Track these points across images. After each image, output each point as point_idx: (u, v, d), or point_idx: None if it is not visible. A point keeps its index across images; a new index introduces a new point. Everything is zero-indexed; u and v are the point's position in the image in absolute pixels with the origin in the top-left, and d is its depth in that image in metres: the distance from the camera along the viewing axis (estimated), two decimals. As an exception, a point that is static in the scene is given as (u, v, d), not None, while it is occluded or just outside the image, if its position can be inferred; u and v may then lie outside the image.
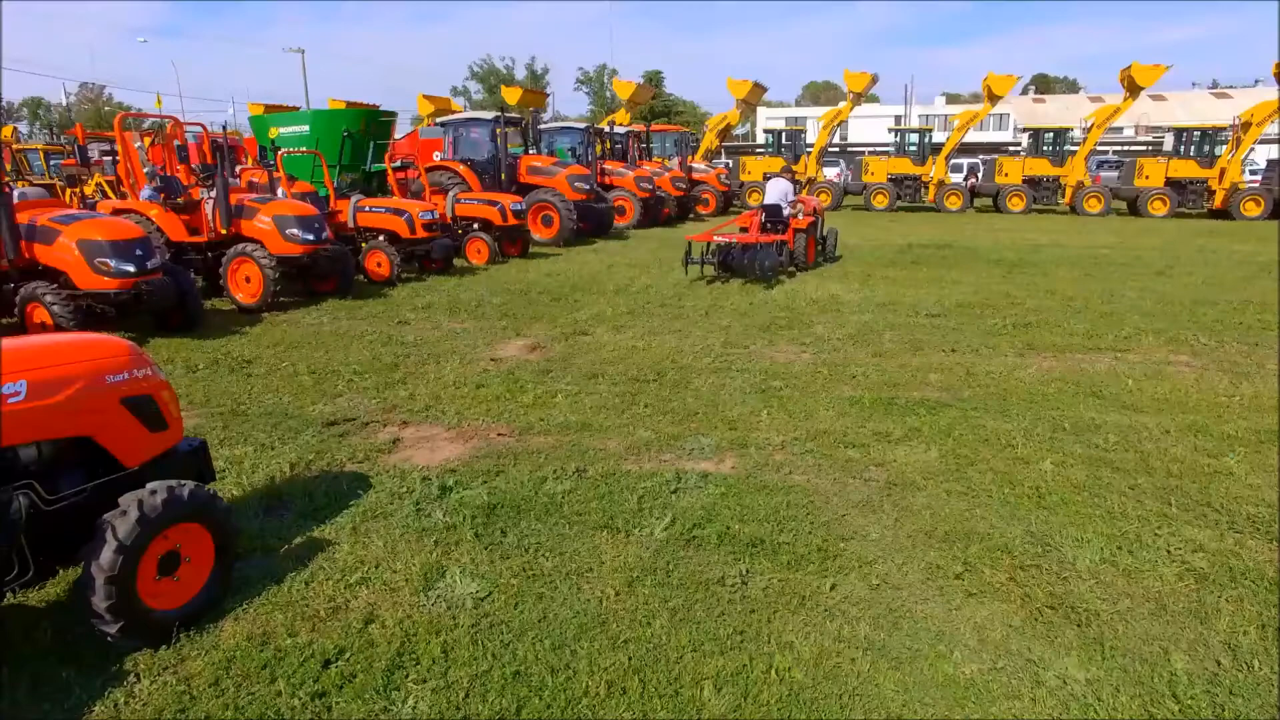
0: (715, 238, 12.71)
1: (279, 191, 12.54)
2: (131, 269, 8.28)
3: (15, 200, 8.69)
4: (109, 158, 19.06)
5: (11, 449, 3.09)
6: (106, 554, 3.06)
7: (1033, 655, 3.19)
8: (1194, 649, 3.21)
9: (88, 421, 3.30)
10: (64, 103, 69.63)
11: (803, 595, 3.61)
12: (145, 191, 11.04)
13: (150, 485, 3.28)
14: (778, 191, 13.53)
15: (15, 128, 33.13)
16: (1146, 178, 26.88)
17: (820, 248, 14.51)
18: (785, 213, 13.32)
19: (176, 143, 13.08)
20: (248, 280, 10.40)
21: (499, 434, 5.75)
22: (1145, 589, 3.65)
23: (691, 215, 25.42)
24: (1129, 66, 25.93)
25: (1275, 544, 4.06)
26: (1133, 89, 26.25)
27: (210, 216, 10.66)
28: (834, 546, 4.05)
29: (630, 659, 3.16)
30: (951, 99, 76.08)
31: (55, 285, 8.13)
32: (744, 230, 13.21)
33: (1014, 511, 4.45)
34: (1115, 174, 32.78)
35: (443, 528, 4.26)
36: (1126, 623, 3.39)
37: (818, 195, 29.03)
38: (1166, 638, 3.29)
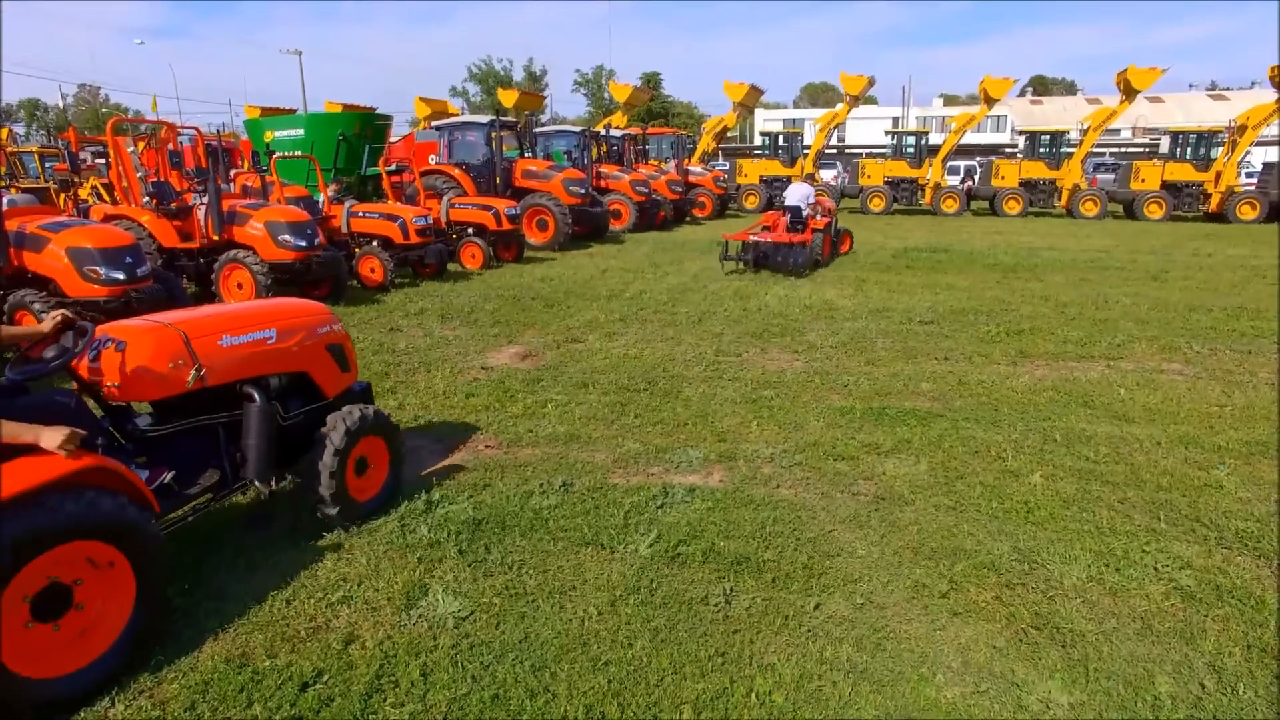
0: (751, 237, 14.01)
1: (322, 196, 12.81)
2: (121, 276, 8.25)
3: (5, 207, 8.65)
4: (102, 160, 19.03)
5: (265, 377, 4.26)
6: (328, 456, 4.21)
7: (1016, 678, 3.16)
8: (1179, 671, 3.19)
9: (306, 361, 4.48)
10: (61, 104, 69.58)
11: (786, 615, 3.58)
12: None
13: (347, 408, 4.46)
14: (799, 194, 14.86)
15: (11, 129, 33.04)
16: (1143, 181, 26.89)
17: (834, 245, 15.61)
18: (804, 213, 14.53)
19: (169, 148, 13.03)
20: (240, 287, 10.38)
21: (487, 446, 5.72)
22: (1132, 608, 3.63)
23: (687, 219, 25.38)
24: (1125, 69, 25.96)
25: (1263, 560, 4.04)
26: (1129, 92, 26.27)
27: (202, 222, 10.63)
28: (819, 564, 4.02)
29: (610, 682, 3.14)
30: (949, 100, 76.23)
31: (44, 293, 8.10)
32: (767, 229, 14.45)
33: (1002, 527, 4.43)
34: (1112, 177, 32.84)
35: (427, 544, 4.23)
36: (1112, 643, 3.37)
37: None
38: (1151, 659, 3.27)
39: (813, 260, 14.02)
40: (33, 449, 2.96)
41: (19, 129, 62.63)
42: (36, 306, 7.87)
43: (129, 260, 8.40)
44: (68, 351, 3.55)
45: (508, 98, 28.85)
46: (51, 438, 2.96)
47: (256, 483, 4.09)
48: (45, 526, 2.84)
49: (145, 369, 3.70)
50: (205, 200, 10.62)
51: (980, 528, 4.42)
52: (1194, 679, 3.13)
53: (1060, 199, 28.29)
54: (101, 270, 8.14)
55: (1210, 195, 26.08)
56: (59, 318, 3.63)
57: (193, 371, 3.81)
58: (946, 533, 4.36)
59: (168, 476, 3.86)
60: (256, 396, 4.09)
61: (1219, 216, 25.74)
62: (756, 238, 13.95)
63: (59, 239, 8.23)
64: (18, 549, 2.77)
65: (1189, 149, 26.82)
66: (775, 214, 15.28)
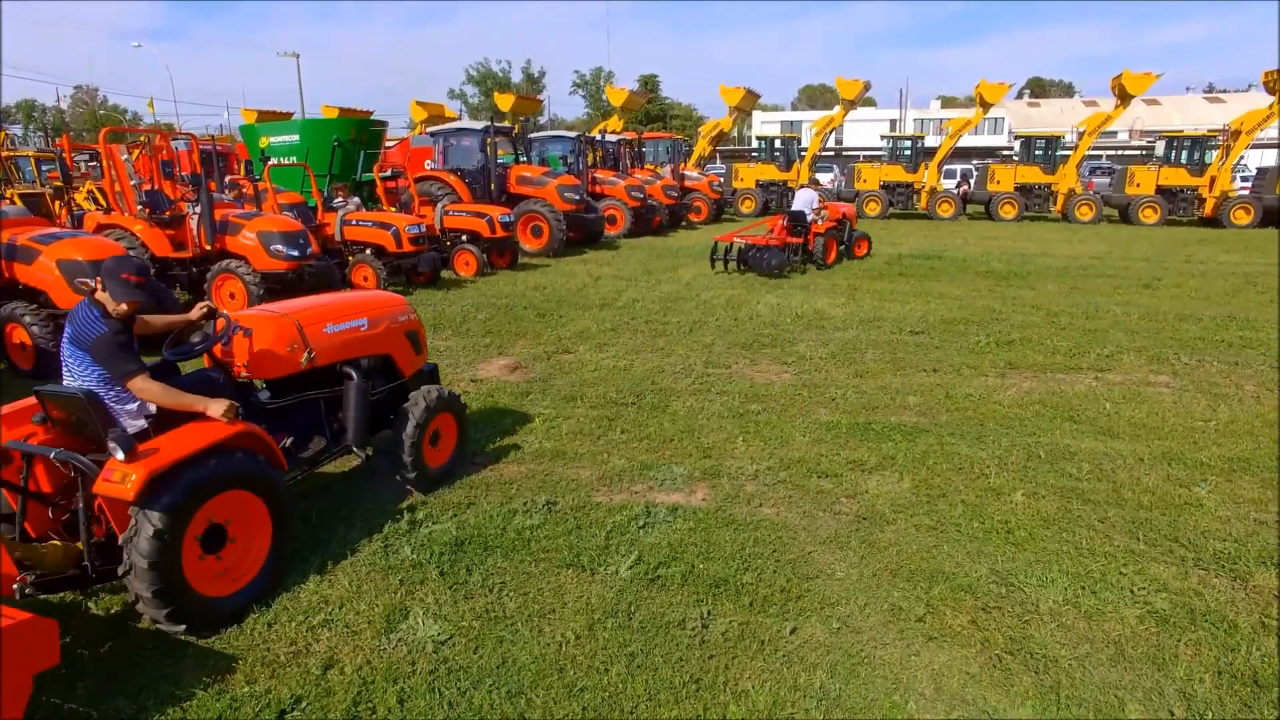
0: (735, 239, 14.86)
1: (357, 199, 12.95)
2: (112, 288, 8.25)
3: (-4, 219, 8.67)
4: (96, 165, 19.02)
5: (359, 359, 5.00)
6: (410, 428, 4.93)
7: (988, 705, 3.19)
8: (1149, 698, 3.22)
9: (389, 345, 5.27)
10: (58, 106, 69.54)
11: (762, 640, 3.60)
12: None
13: (424, 388, 5.20)
14: (803, 200, 15.54)
15: (8, 132, 32.97)
16: (1137, 185, 26.90)
17: (843, 249, 16.12)
18: (808, 218, 15.14)
19: (162, 157, 13.02)
20: (232, 297, 10.40)
21: (472, 462, 5.73)
22: (1106, 632, 3.65)
23: (683, 224, 25.39)
24: (1120, 75, 26.00)
25: (1238, 582, 4.07)
26: (1123, 97, 26.31)
27: (195, 232, 10.64)
28: (798, 586, 4.04)
29: (585, 709, 3.16)
30: (947, 102, 76.25)
31: (35, 306, 8.10)
32: (770, 232, 15.19)
33: (981, 548, 4.46)
34: (1107, 181, 32.87)
35: (409, 565, 4.25)
36: (1084, 669, 3.40)
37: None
38: (1123, 686, 3.29)
39: (792, 262, 14.77)
40: (198, 416, 3.79)
41: (15, 130, 62.49)
42: (27, 320, 7.87)
43: (120, 272, 8.40)
44: (210, 337, 4.40)
45: (504, 102, 28.85)
46: (216, 408, 3.77)
47: (355, 448, 4.88)
48: (214, 477, 3.65)
49: (268, 352, 4.51)
50: (198, 209, 10.63)
51: (959, 549, 4.45)
52: (1164, 706, 3.16)
53: (1055, 203, 28.33)
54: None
55: (1205, 200, 26.11)
56: (205, 308, 4.45)
57: (305, 354, 4.62)
58: (926, 554, 4.38)
59: (287, 441, 4.58)
60: (354, 375, 4.89)
61: (1213, 221, 25.77)
62: (741, 240, 14.83)
63: (49, 251, 8.23)
64: (195, 494, 3.56)
65: (1184, 153, 26.84)
66: (779, 216, 16.20)
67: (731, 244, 14.81)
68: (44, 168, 22.30)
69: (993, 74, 27.49)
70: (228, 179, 17.22)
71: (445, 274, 14.11)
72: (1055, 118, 61.99)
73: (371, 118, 22.05)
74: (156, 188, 11.93)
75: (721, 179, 30.89)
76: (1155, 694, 3.24)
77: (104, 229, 10.56)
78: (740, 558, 4.31)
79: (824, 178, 37.28)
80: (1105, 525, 4.74)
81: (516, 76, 75.58)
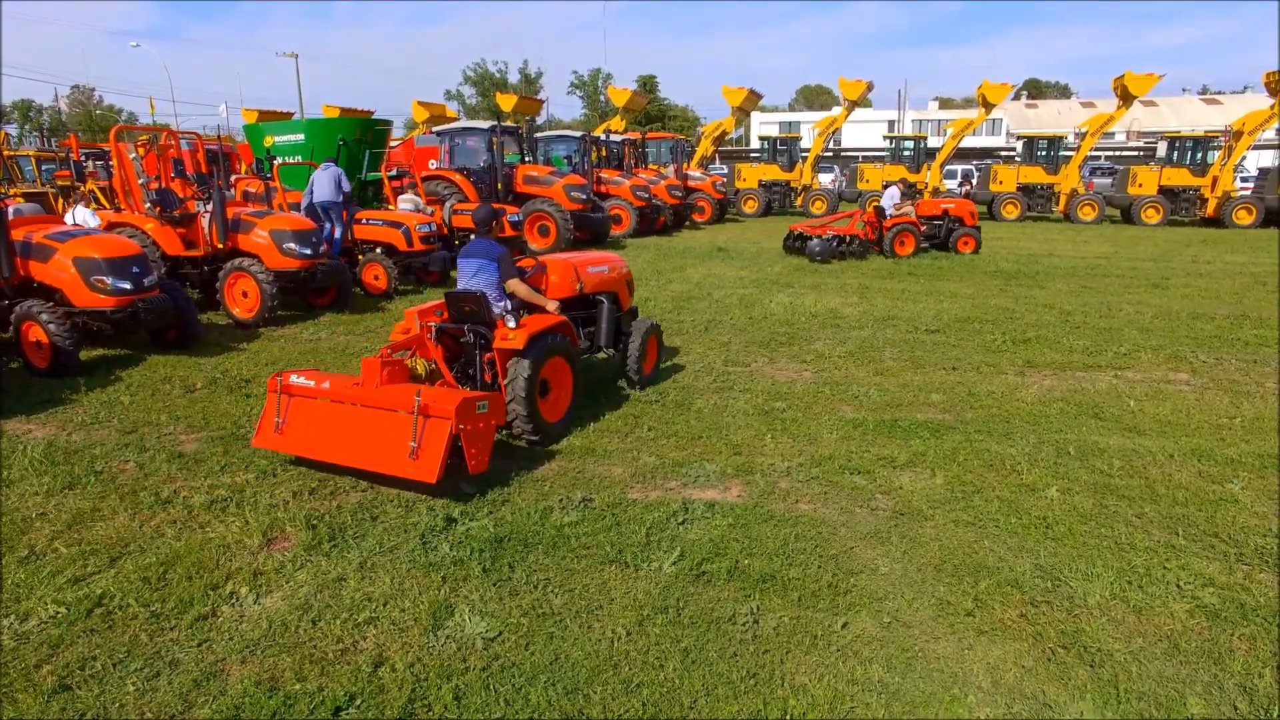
0: (796, 229, 17.41)
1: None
2: (128, 287, 8.20)
3: (10, 217, 8.60)
4: (100, 162, 18.90)
5: (603, 292, 7.13)
6: (637, 340, 7.09)
7: (1047, 698, 3.18)
8: (1210, 692, 3.20)
9: (617, 286, 7.36)
10: (55, 105, 69.25)
11: (814, 634, 3.58)
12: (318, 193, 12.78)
13: (643, 317, 7.55)
14: (886, 197, 17.79)
15: (6, 132, 32.78)
16: (1140, 185, 27.00)
17: (927, 245, 17.62)
18: (888, 213, 17.09)
19: (173, 157, 12.94)
20: (245, 295, 10.34)
21: (502, 459, 5.70)
22: (1157, 627, 3.64)
23: (687, 224, 25.36)
24: (1122, 75, 26.07)
25: (1284, 577, 4.06)
26: (1126, 98, 26.39)
27: (207, 231, 10.59)
28: (844, 581, 4.03)
29: (644, 705, 3.14)
30: (944, 103, 76.46)
31: (51, 303, 8.05)
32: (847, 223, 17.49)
33: (1022, 543, 4.45)
34: (1109, 181, 32.97)
35: (450, 562, 4.22)
36: (1140, 663, 3.38)
37: (812, 201, 29.29)
38: (1181, 679, 3.28)
39: (830, 251, 16.40)
40: (537, 309, 6.20)
41: (11, 129, 62.19)
42: (45, 318, 7.81)
43: (136, 270, 8.35)
44: (524, 271, 6.47)
45: (507, 102, 28.84)
46: (552, 305, 6.25)
47: (604, 348, 7.07)
48: (552, 345, 5.91)
49: (559, 281, 6.67)
50: (209, 208, 10.57)
51: (1000, 544, 4.43)
52: (1226, 701, 3.15)
53: (1058, 204, 28.40)
54: (109, 280, 8.09)
55: (1207, 200, 26.20)
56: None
57: (579, 284, 6.77)
58: (968, 549, 4.37)
59: None
60: (605, 301, 7.05)
61: (1215, 221, 25.86)
62: (801, 230, 17.28)
63: (65, 249, 8.18)
64: (545, 353, 5.80)
65: (1186, 154, 26.93)
66: (858, 211, 18.57)
67: (800, 232, 17.24)
68: (43, 167, 22.18)
69: (989, 75, 27.54)
70: (232, 178, 17.14)
71: (454, 273, 14.06)
72: (1053, 118, 62.25)
73: (374, 117, 21.98)
74: (166, 186, 11.85)
75: (724, 179, 30.90)
76: (1215, 688, 3.22)
77: (115, 228, 10.49)
78: (784, 553, 4.29)
79: (825, 178, 37.36)
80: (1143, 521, 4.73)
81: (514, 77, 75.58)
